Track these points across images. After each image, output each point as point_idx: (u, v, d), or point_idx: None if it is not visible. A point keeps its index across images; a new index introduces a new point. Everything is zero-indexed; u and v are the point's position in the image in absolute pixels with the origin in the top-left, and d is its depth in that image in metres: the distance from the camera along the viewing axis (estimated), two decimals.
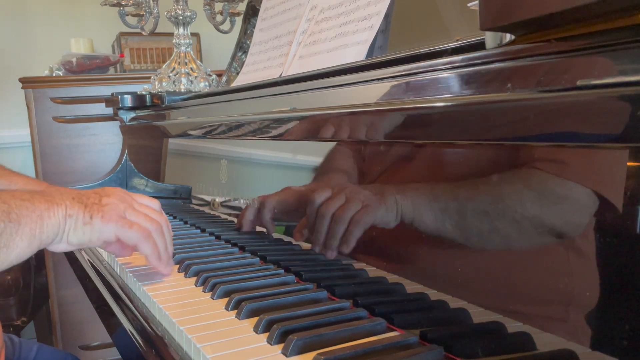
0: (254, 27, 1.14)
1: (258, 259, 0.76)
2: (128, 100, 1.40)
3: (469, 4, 0.61)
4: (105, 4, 1.48)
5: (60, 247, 0.64)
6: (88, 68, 1.94)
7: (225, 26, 1.55)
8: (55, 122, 1.82)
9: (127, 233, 0.65)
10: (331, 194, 0.61)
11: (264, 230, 0.80)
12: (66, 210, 0.62)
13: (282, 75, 0.92)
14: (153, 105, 1.35)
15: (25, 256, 0.60)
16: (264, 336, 0.50)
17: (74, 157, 1.85)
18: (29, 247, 0.59)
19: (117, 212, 0.65)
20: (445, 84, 0.46)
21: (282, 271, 0.69)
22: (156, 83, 1.42)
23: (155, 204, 0.74)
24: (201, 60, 2.14)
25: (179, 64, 1.43)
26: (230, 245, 0.84)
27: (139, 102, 1.38)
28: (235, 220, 0.88)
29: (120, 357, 0.73)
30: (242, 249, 0.82)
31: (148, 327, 0.60)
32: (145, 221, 0.68)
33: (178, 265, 0.75)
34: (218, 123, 0.92)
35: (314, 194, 0.63)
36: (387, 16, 0.74)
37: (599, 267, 0.34)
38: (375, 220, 0.55)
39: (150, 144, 1.32)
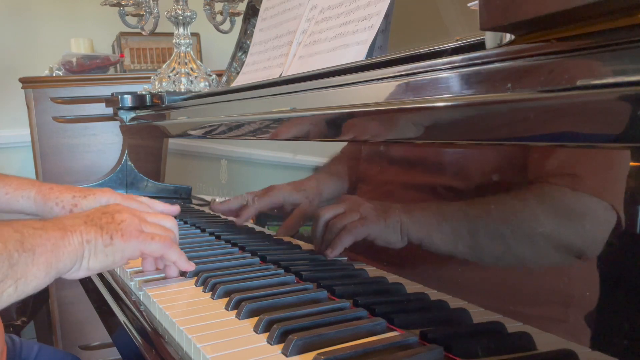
0: (254, 27, 1.14)
1: (258, 259, 0.76)
2: (128, 100, 1.40)
3: (469, 4, 0.61)
4: (105, 4, 1.48)
5: (80, 274, 0.62)
6: (88, 68, 1.94)
7: (225, 26, 1.55)
8: (55, 122, 1.82)
9: (151, 246, 0.64)
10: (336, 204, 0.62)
11: (264, 230, 0.80)
12: (82, 236, 0.60)
13: (282, 75, 0.92)
14: (153, 105, 1.35)
15: (43, 286, 0.57)
16: (264, 336, 0.50)
17: (74, 157, 1.85)
18: (46, 277, 0.57)
19: (135, 228, 0.64)
20: (445, 84, 0.46)
21: (282, 271, 0.69)
22: (156, 83, 1.42)
23: (164, 215, 0.74)
24: (201, 60, 2.14)
25: (179, 64, 1.43)
26: (230, 245, 0.84)
27: (139, 102, 1.38)
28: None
29: (120, 357, 0.73)
30: (242, 249, 0.82)
31: (148, 327, 0.60)
32: (162, 231, 0.68)
33: None
34: (218, 123, 0.92)
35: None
36: (387, 16, 0.74)
37: (598, 267, 0.34)
38: (373, 234, 0.56)
39: (150, 144, 1.32)
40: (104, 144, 1.87)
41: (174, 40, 1.45)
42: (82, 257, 0.60)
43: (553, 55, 0.37)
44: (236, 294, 0.59)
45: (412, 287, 0.50)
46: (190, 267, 0.69)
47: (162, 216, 0.72)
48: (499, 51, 0.41)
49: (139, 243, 0.63)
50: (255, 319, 0.53)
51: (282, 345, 0.47)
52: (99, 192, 0.80)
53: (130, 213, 0.66)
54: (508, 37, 0.41)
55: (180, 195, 1.13)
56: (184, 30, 1.44)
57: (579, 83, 0.34)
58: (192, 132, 1.05)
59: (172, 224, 0.71)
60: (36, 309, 1.96)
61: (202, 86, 1.41)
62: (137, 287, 0.69)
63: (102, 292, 0.80)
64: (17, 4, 2.24)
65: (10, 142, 2.23)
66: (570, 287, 0.36)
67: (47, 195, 0.82)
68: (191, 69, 1.42)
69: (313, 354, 0.45)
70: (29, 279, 0.54)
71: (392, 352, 0.45)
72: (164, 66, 1.46)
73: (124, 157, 1.44)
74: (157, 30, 1.54)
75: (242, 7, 1.42)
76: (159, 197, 1.26)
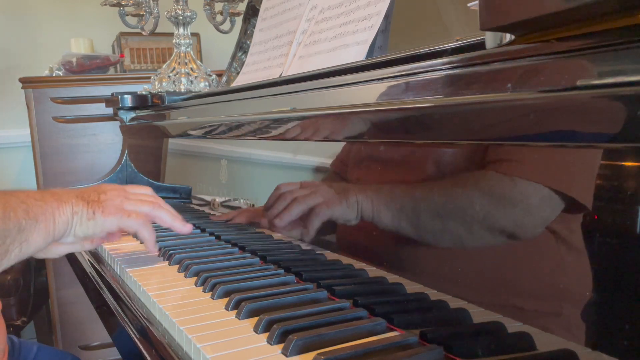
0: (254, 27, 1.13)
1: (258, 259, 0.76)
2: (128, 100, 1.40)
3: (469, 4, 0.61)
4: (105, 4, 1.48)
5: (69, 239, 0.72)
6: (88, 68, 1.94)
7: (225, 26, 1.55)
8: (55, 122, 1.82)
9: (127, 222, 0.73)
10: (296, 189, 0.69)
11: (264, 230, 0.80)
12: (72, 207, 0.70)
13: (282, 75, 0.92)
14: (153, 105, 1.35)
15: (41, 249, 0.68)
16: (264, 336, 0.50)
17: (74, 157, 1.85)
18: (44, 241, 0.67)
19: (115, 206, 0.73)
20: (445, 84, 0.46)
21: (282, 271, 0.69)
22: (156, 83, 1.42)
23: (147, 189, 0.82)
24: (201, 60, 2.14)
25: (179, 64, 1.43)
26: (230, 245, 0.84)
27: (139, 102, 1.38)
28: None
29: (120, 357, 0.73)
30: (242, 249, 0.82)
31: (148, 327, 0.60)
32: (142, 206, 0.75)
33: (178, 266, 0.75)
34: (218, 123, 0.92)
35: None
36: (387, 16, 0.74)
37: (598, 267, 0.34)
38: (334, 215, 0.60)
39: (150, 144, 1.31)
40: (104, 144, 1.87)
41: (174, 40, 1.45)
42: (72, 226, 0.70)
43: (553, 55, 0.37)
44: (236, 294, 0.59)
45: (412, 287, 0.50)
46: (154, 250, 0.77)
47: (144, 188, 0.81)
48: (499, 51, 0.41)
49: (117, 219, 0.72)
50: (255, 319, 0.53)
51: (282, 345, 0.47)
52: None
53: (114, 193, 0.75)
54: (508, 37, 0.41)
55: (180, 195, 1.13)
56: (184, 30, 1.43)
57: (579, 83, 0.34)
58: (192, 132, 1.05)
59: (154, 196, 0.79)
60: (36, 309, 1.96)
61: (202, 86, 1.41)
62: (137, 287, 0.69)
63: (102, 292, 0.80)
64: (17, 4, 2.24)
65: (10, 142, 2.23)
66: (571, 286, 0.36)
67: None
68: (191, 69, 1.42)
69: (313, 354, 0.45)
70: (31, 243, 0.65)
71: (392, 352, 0.45)
72: (164, 66, 1.46)
73: (124, 157, 1.44)
74: (157, 30, 1.54)
75: (242, 7, 1.42)
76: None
